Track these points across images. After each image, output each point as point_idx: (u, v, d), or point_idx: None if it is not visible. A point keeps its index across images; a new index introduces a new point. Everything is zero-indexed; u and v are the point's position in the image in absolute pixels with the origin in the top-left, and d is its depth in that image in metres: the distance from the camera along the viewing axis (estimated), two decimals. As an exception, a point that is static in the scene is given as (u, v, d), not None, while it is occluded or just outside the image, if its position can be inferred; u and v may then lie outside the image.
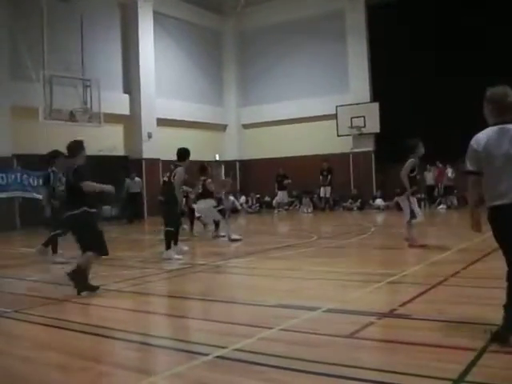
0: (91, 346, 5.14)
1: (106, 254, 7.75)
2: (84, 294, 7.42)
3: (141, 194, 22.76)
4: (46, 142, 19.98)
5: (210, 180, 14.14)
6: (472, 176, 4.79)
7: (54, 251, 11.14)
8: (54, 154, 11.32)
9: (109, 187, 8.06)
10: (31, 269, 10.58)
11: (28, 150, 19.31)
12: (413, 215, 11.04)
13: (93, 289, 7.52)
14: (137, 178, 22.49)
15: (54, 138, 20.12)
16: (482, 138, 4.75)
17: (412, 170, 11.16)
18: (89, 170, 7.99)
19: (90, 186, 7.72)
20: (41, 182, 19.21)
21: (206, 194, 13.91)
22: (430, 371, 3.96)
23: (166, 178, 11.29)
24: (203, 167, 14.50)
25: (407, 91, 22.52)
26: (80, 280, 7.43)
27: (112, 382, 4.16)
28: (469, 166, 4.78)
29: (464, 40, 21.67)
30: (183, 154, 11.35)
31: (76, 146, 8.13)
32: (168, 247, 10.83)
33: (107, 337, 5.40)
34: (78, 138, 8.46)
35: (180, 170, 10.93)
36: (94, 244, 7.60)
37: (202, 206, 13.90)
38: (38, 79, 18.69)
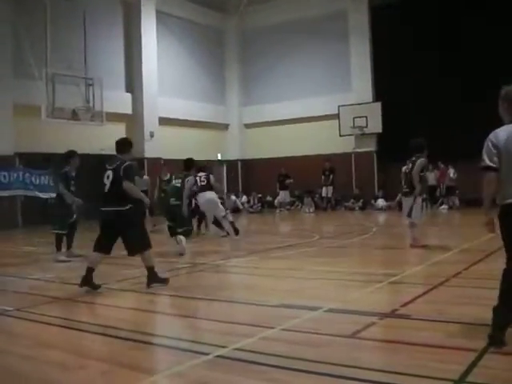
0: (92, 344, 5.15)
1: (151, 246, 8.06)
2: (156, 285, 7.83)
3: (147, 192, 22.66)
4: (49, 141, 20.10)
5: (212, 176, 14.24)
6: (489, 172, 4.69)
7: (58, 249, 11.21)
8: (70, 154, 11.58)
9: (146, 200, 8.29)
10: (33, 267, 10.59)
11: (30, 149, 19.34)
12: (409, 215, 11.10)
13: (164, 281, 7.96)
14: (145, 176, 22.34)
15: (56, 136, 20.22)
16: (501, 134, 4.65)
17: (422, 170, 11.22)
18: (137, 169, 8.34)
19: (131, 189, 7.89)
20: (49, 180, 19.48)
21: (209, 187, 14.02)
22: (431, 371, 3.96)
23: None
24: (204, 166, 14.60)
25: (409, 91, 22.54)
26: (154, 277, 7.91)
27: (112, 381, 4.16)
28: (488, 162, 4.66)
29: (467, 40, 21.66)
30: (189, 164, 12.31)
31: (124, 143, 8.40)
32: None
33: (108, 335, 5.41)
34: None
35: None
36: (144, 239, 7.97)
37: (208, 197, 13.87)
38: (40, 77, 18.70)
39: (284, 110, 27.37)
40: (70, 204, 11.27)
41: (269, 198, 27.07)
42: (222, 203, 14.74)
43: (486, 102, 23.09)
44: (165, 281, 8.00)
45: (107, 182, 7.97)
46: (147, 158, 23.80)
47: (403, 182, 11.42)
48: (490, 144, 4.67)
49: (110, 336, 5.39)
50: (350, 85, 25.86)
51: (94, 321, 5.95)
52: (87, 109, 19.82)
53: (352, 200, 24.85)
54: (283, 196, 25.62)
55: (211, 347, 4.75)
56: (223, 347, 4.71)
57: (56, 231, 11.24)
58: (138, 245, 7.85)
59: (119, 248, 11.13)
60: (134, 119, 24.17)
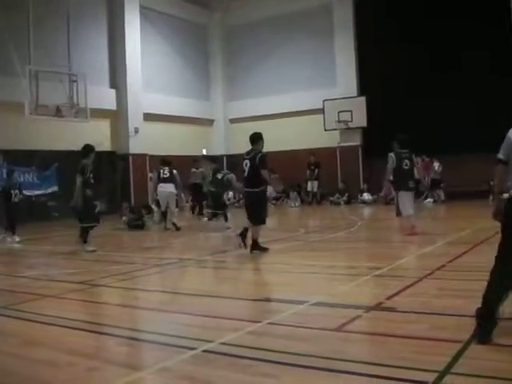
0: (79, 341, 5.14)
1: (265, 223, 10.39)
2: (256, 252, 10.08)
3: (201, 184, 22.21)
4: (33, 138, 20.00)
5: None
6: (500, 164, 4.85)
7: (85, 241, 11.46)
8: (91, 148, 11.99)
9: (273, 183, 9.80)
10: (20, 265, 10.55)
11: (15, 146, 19.19)
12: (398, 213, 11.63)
13: (264, 250, 10.18)
14: (201, 169, 21.53)
15: (40, 133, 20.11)
16: None
17: (398, 164, 11.85)
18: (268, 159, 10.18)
19: (266, 175, 10.03)
20: (33, 177, 19.40)
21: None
22: (417, 363, 3.99)
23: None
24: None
25: (394, 85, 22.59)
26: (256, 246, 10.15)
27: (100, 377, 4.16)
28: (500, 155, 4.85)
29: (452, 35, 21.70)
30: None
31: (258, 137, 10.35)
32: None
33: (95, 332, 5.41)
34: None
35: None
36: (262, 216, 10.14)
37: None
38: (23, 74, 18.54)
39: (269, 104, 27.34)
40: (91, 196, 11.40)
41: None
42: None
43: (472, 97, 23.35)
44: (265, 250, 10.15)
45: (246, 169, 10.23)
46: (132, 154, 23.73)
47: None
48: (507, 139, 4.84)
49: (97, 332, 5.39)
50: (334, 79, 25.86)
51: (80, 317, 5.94)
52: (71, 105, 19.66)
53: (337, 194, 24.89)
54: (269, 191, 25.58)
55: (198, 342, 4.76)
56: (210, 342, 4.72)
57: (85, 225, 11.41)
58: (256, 219, 10.06)
59: (105, 244, 11.13)
60: (118, 115, 24.04)
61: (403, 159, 11.93)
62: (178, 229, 15.21)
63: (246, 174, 10.26)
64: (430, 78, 22.11)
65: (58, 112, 19.28)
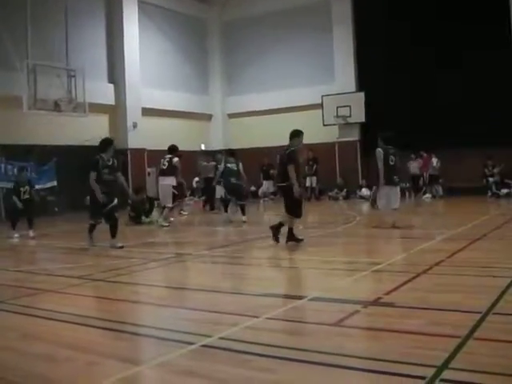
0: (78, 336, 5.14)
1: (299, 217, 10.62)
2: (290, 243, 10.36)
3: (213, 178, 22.07)
4: (31, 132, 19.97)
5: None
6: None
7: (113, 236, 11.24)
8: (109, 141, 11.85)
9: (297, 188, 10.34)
10: (16, 259, 10.55)
11: (12, 141, 19.16)
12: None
13: (297, 241, 10.45)
14: (212, 162, 21.23)
15: (38, 128, 20.09)
16: None
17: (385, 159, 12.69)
18: (297, 155, 10.61)
19: (291, 171, 10.23)
20: (31, 172, 19.37)
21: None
22: (414, 358, 4.00)
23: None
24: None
25: (393, 81, 22.59)
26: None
27: (99, 372, 4.17)
28: None
29: (453, 31, 21.66)
30: None
31: (293, 134, 10.82)
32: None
33: (93, 326, 5.41)
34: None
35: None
36: (293, 209, 10.41)
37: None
38: (21, 68, 18.52)
39: (267, 100, 27.33)
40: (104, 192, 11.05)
41: (252, 188, 27.05)
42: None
43: (471, 93, 23.35)
44: (300, 241, 10.44)
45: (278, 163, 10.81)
46: (130, 149, 23.72)
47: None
48: None
49: (95, 327, 5.39)
50: (333, 75, 25.82)
51: (78, 312, 5.94)
52: (69, 100, 19.65)
53: (336, 189, 24.90)
54: (267, 186, 25.64)
55: (196, 337, 4.77)
56: (208, 337, 4.73)
57: (91, 221, 11.35)
58: (289, 211, 10.43)
59: (101, 239, 11.12)
60: (116, 110, 24.02)
61: (390, 155, 12.57)
62: (164, 226, 14.92)
63: (278, 168, 11.18)
64: (428, 74, 22.10)
65: (56, 107, 19.27)
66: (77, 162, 20.01)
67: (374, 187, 14.94)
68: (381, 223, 12.71)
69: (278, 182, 11.27)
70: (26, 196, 13.98)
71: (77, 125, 20.92)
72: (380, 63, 23.21)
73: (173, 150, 15.48)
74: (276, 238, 10.47)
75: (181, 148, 15.79)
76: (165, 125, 25.84)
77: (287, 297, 6.21)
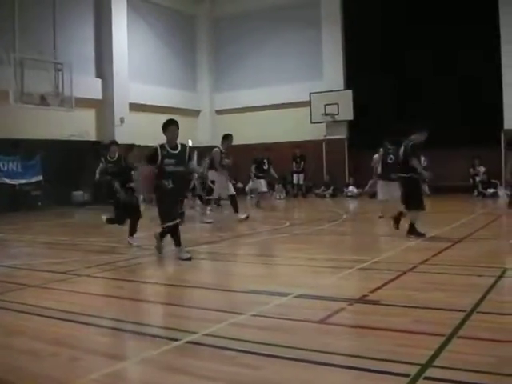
0: (62, 331, 5.11)
1: (424, 209, 10.48)
2: (412, 237, 10.21)
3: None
4: (17, 126, 19.82)
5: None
6: None
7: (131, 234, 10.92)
8: (113, 142, 13.11)
9: (426, 174, 10.77)
10: (1, 254, 10.47)
11: (-1, 134, 19.06)
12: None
13: (420, 235, 10.23)
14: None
15: (24, 121, 19.95)
16: None
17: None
18: (421, 148, 10.80)
19: (415, 163, 10.29)
20: (17, 166, 19.33)
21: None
22: (399, 356, 4.01)
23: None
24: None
25: (381, 79, 22.60)
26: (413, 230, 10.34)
27: (83, 367, 4.14)
28: None
29: (443, 31, 21.72)
30: None
31: (415, 129, 10.85)
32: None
33: (78, 322, 5.37)
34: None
35: None
36: (417, 201, 10.28)
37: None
38: (8, 62, 18.40)
39: (255, 96, 27.30)
40: (116, 190, 11.00)
41: (240, 185, 27.01)
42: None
43: (459, 94, 23.42)
44: (423, 235, 10.22)
45: (400, 156, 10.91)
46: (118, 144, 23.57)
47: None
48: None
49: (80, 322, 5.36)
50: (321, 72, 25.85)
51: (63, 307, 5.91)
52: (56, 94, 19.57)
53: (323, 187, 24.94)
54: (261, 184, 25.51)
55: (181, 333, 4.76)
56: (193, 333, 4.72)
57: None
58: (410, 204, 10.38)
59: (89, 234, 11.08)
60: (104, 105, 23.90)
61: (389, 154, 13.75)
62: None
63: (400, 160, 11.06)
64: (416, 73, 22.15)
65: (42, 101, 19.18)
66: (62, 157, 19.97)
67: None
68: (384, 213, 13.52)
69: (400, 172, 10.96)
70: None
71: (63, 119, 20.80)
72: (369, 61, 23.23)
73: None
74: (397, 227, 10.75)
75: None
76: (152, 120, 25.57)
77: (272, 294, 6.20)
